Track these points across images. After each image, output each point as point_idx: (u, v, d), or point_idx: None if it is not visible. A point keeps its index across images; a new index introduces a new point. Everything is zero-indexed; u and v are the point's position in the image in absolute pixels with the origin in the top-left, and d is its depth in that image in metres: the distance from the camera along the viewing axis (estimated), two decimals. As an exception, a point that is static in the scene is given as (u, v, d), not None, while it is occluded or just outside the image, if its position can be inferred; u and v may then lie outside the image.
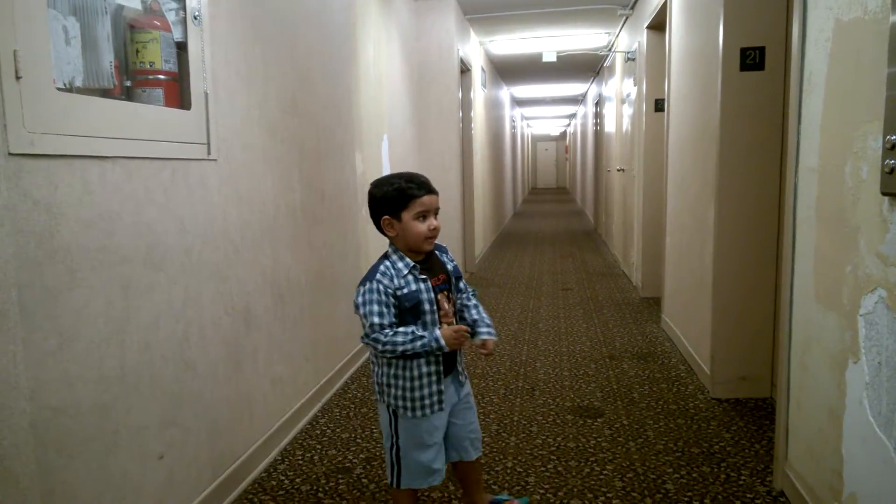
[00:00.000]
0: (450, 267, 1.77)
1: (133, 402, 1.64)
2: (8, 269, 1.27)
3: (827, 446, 1.75)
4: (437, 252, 1.76)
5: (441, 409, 1.70)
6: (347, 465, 2.34)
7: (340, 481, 2.22)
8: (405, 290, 1.63)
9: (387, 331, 1.60)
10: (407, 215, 1.64)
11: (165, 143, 1.76)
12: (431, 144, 5.29)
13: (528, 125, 22.78)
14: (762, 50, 2.68)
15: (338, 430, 2.65)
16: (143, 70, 1.77)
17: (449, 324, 1.69)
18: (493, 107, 9.33)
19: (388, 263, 1.67)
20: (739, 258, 2.81)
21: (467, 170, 6.06)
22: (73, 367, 1.44)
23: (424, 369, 1.66)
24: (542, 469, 2.26)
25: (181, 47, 1.86)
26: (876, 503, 1.49)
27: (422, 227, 1.64)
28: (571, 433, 2.56)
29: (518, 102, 14.71)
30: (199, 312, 1.94)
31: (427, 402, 1.67)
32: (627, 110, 6.13)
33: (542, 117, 20.28)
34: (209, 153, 1.98)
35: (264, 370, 2.37)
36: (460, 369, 1.79)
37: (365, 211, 3.65)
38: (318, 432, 2.63)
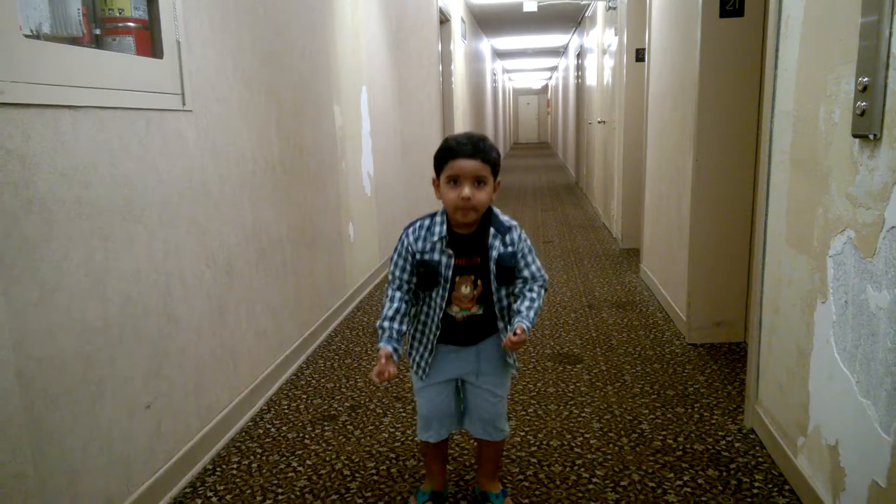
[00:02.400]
0: (497, 251, 1.55)
1: (117, 353, 1.65)
2: (-17, 220, 1.26)
3: (795, 384, 1.82)
4: (493, 230, 1.55)
5: (424, 375, 1.64)
6: (333, 412, 2.39)
7: (326, 428, 2.27)
8: (426, 257, 1.54)
9: (392, 287, 1.58)
10: (443, 177, 1.50)
11: (138, 94, 1.73)
12: (411, 98, 5.22)
13: (510, 78, 22.51)
14: (742, -5, 2.67)
15: (322, 380, 2.70)
16: (113, 17, 1.72)
17: (463, 308, 1.58)
18: (474, 59, 9.18)
19: (427, 221, 1.56)
20: (716, 206, 2.86)
21: (448, 123, 6.01)
22: (55, 319, 1.44)
23: (426, 337, 1.62)
24: (523, 413, 2.33)
25: (150, -8, 1.81)
26: (838, 432, 1.57)
27: (451, 193, 1.48)
28: (551, 379, 2.63)
29: (499, 55, 14.49)
30: (180, 265, 1.94)
31: (416, 361, 1.66)
32: (608, 61, 6.08)
33: (523, 70, 20.03)
34: (184, 104, 1.94)
35: (248, 323, 2.39)
36: (480, 347, 1.64)
37: (345, 164, 3.62)
38: (304, 382, 2.67)
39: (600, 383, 2.58)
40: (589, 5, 7.61)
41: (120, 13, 1.73)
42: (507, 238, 1.56)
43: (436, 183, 1.55)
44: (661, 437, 2.13)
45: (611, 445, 2.09)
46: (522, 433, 2.18)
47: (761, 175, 2.06)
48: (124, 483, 1.69)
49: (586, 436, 2.16)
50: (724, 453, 2.02)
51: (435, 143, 5.43)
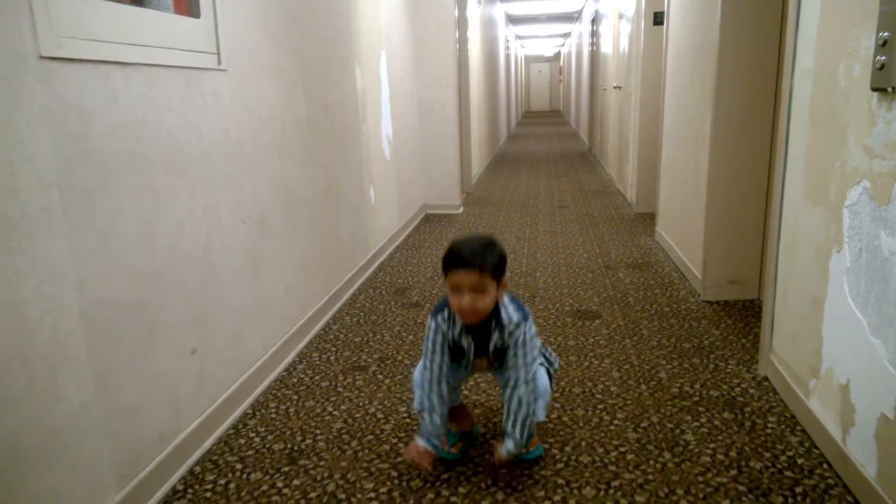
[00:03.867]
0: (492, 346, 1.66)
1: (166, 300, 1.75)
2: (48, 170, 1.34)
3: (808, 331, 1.90)
4: (495, 323, 1.64)
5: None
6: (362, 364, 2.50)
7: (357, 378, 2.38)
8: (455, 338, 1.68)
9: (426, 368, 1.69)
10: (447, 284, 1.60)
11: (179, 52, 1.80)
12: (428, 62, 5.23)
13: (522, 45, 22.23)
14: (764, -46, 2.67)
15: (350, 335, 2.81)
16: (152, -22, 1.78)
17: (479, 370, 1.80)
18: (488, 26, 9.12)
19: (448, 312, 1.66)
20: (733, 166, 2.90)
21: (464, 89, 6.02)
22: (111, 265, 1.54)
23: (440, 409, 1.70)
24: (544, 363, 2.43)
25: (187, -46, 1.86)
26: (849, 372, 1.65)
27: (455, 301, 1.58)
28: (571, 333, 2.73)
29: (512, 20, 14.32)
30: (219, 219, 2.03)
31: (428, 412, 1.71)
32: (625, 26, 6.04)
33: (536, 36, 19.77)
34: (219, 63, 2.01)
35: (279, 278, 2.49)
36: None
37: (366, 127, 3.68)
38: (332, 337, 2.78)
39: (618, 337, 2.67)
40: (605, -32, 7.52)
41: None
42: (506, 332, 1.63)
43: (445, 282, 1.62)
44: (678, 385, 2.23)
45: (630, 392, 2.19)
46: (544, 382, 2.28)
47: (780, 131, 2.11)
48: (175, 422, 1.80)
49: (606, 383, 2.26)
50: (738, 398, 2.12)
51: (451, 107, 5.48)
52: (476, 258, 1.55)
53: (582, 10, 12.11)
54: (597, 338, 2.67)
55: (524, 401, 1.63)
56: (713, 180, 2.95)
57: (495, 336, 1.65)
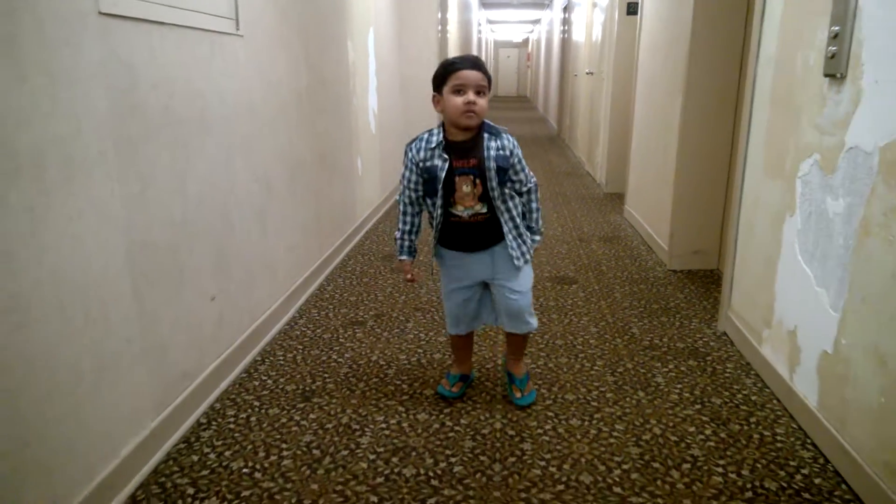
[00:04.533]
0: (492, 153, 1.74)
1: (194, 247, 1.91)
2: (104, 118, 1.49)
3: (762, 288, 2.17)
4: (488, 135, 1.75)
5: (445, 268, 1.93)
6: (360, 319, 2.69)
7: (357, 331, 2.57)
8: (427, 164, 1.76)
9: (403, 197, 1.84)
10: (446, 89, 1.70)
11: (205, 16, 1.94)
12: (411, 41, 5.38)
13: (492, 30, 22.35)
14: (734, -48, 2.92)
15: (345, 294, 2.99)
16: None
17: (467, 207, 1.78)
18: (464, 8, 9.25)
19: (426, 135, 1.78)
20: (699, 147, 3.17)
21: (442, 69, 6.18)
22: (151, 210, 1.69)
23: (441, 232, 1.85)
24: (528, 320, 2.66)
25: (213, -74, 1.99)
26: (797, 319, 1.92)
27: (457, 99, 1.68)
28: (552, 295, 2.97)
29: (484, 4, 14.46)
30: (236, 176, 2.18)
31: (437, 256, 1.93)
32: (599, 15, 6.27)
33: (506, 21, 19.93)
34: (237, 28, 2.15)
35: (281, 236, 2.65)
36: (494, 251, 1.87)
37: (355, 100, 3.83)
38: (328, 296, 2.96)
39: (594, 299, 2.92)
40: (579, -43, 7.73)
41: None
42: (500, 142, 1.76)
43: (436, 99, 1.75)
44: (648, 338, 2.48)
45: (607, 344, 2.44)
46: (531, 336, 2.51)
47: (744, 113, 2.36)
48: (198, 362, 1.97)
49: (585, 337, 2.50)
50: (701, 350, 2.38)
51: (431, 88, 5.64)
52: (478, 62, 1.74)
53: (554, -3, 12.33)
54: (574, 300, 2.91)
55: (538, 199, 1.90)
56: (681, 160, 3.22)
57: (493, 147, 1.74)
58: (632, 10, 5.03)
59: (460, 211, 1.80)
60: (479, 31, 14.33)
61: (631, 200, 4.42)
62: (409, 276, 1.91)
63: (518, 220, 1.85)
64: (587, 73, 6.92)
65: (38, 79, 1.27)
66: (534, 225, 1.90)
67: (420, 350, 2.39)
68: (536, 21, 18.61)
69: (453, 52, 7.53)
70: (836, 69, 1.71)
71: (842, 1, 1.68)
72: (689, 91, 3.11)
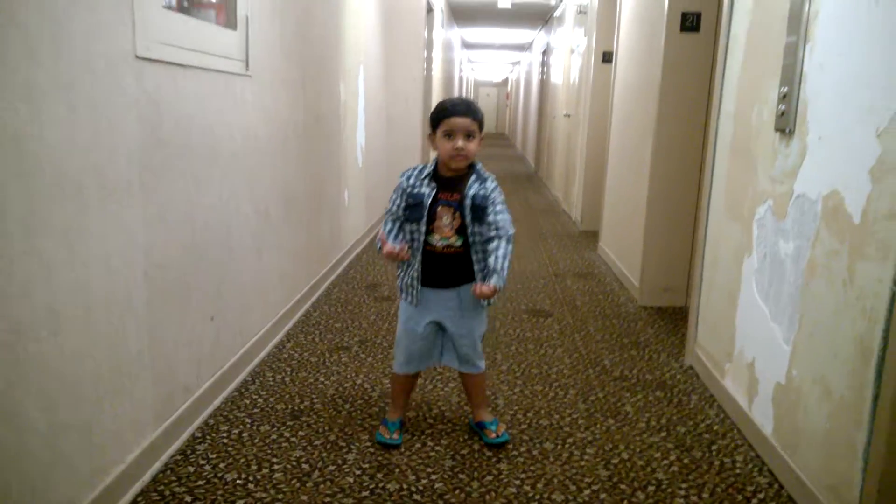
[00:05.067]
0: (473, 192, 1.86)
1: (199, 269, 2.03)
2: (134, 149, 1.62)
3: (725, 322, 2.35)
4: (474, 177, 1.89)
5: (415, 303, 1.95)
6: (345, 344, 2.81)
7: (342, 356, 2.69)
8: (416, 190, 1.89)
9: (390, 216, 1.95)
10: (439, 132, 1.86)
11: (220, 58, 2.10)
12: (397, 80, 5.60)
13: (473, 69, 22.93)
14: (699, 15, 3.20)
15: (330, 320, 3.11)
16: (199, -6, 2.08)
17: (443, 237, 1.90)
18: (447, 48, 9.59)
19: (420, 167, 1.94)
20: (669, 190, 3.40)
21: (426, 105, 6.41)
22: (166, 234, 1.81)
23: (413, 269, 1.94)
24: (507, 350, 2.81)
25: (228, -24, 2.17)
26: (755, 352, 2.10)
27: (447, 144, 1.84)
28: (528, 327, 3.12)
29: (467, 45, 14.92)
30: (238, 206, 2.31)
31: (406, 289, 1.97)
32: (576, 60, 6.60)
33: (486, 61, 20.50)
34: (247, 69, 2.31)
35: (275, 264, 2.77)
36: (460, 291, 1.95)
37: (344, 137, 4.00)
38: (314, 322, 3.07)
39: (568, 332, 3.08)
40: (558, 6, 8.13)
41: (205, -9, 2.09)
42: (485, 184, 1.89)
43: (431, 138, 1.91)
44: (619, 370, 2.65)
45: (579, 374, 2.59)
46: (507, 364, 2.66)
47: (707, 162, 2.58)
48: (196, 377, 2.07)
49: (560, 367, 2.65)
50: (668, 382, 2.55)
51: (417, 124, 5.88)
52: (470, 107, 1.87)
53: (533, 41, 12.80)
54: (550, 332, 3.07)
55: (508, 249, 1.87)
56: (651, 201, 3.44)
57: (475, 187, 1.87)
58: (607, 58, 5.32)
59: (436, 240, 1.91)
60: (461, 70, 14.76)
61: (605, 238, 4.64)
62: (399, 250, 1.88)
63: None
64: (564, 116, 7.22)
65: (85, 112, 1.42)
66: (499, 270, 1.84)
67: (405, 374, 2.51)
68: (517, 63, 19.19)
69: (437, 90, 7.80)
70: (785, 125, 1.93)
71: (790, 64, 1.91)
72: (659, 138, 3.35)
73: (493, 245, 1.87)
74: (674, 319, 3.30)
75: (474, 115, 1.88)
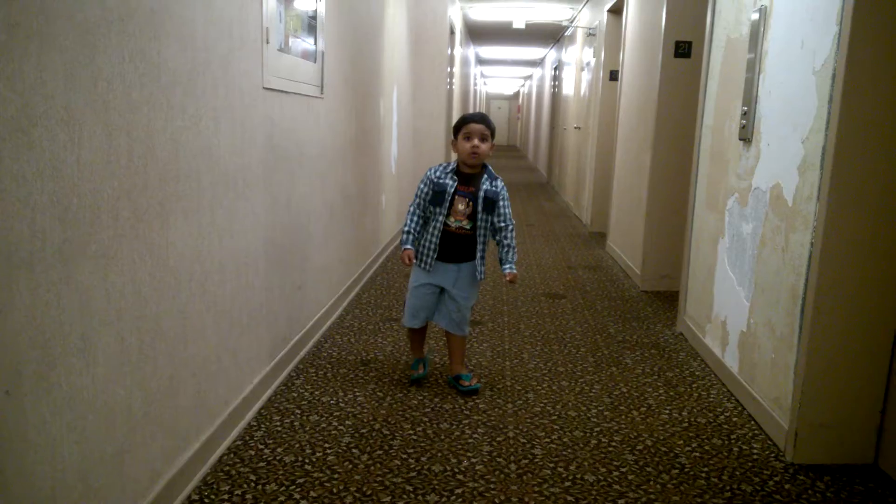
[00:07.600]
0: (486, 187, 2.37)
1: (294, 246, 2.62)
2: (267, 153, 2.23)
3: (706, 293, 2.92)
4: (486, 176, 2.40)
5: (428, 269, 2.44)
6: (394, 317, 3.39)
7: (393, 325, 3.27)
8: (440, 181, 2.40)
9: (413, 206, 2.48)
10: (460, 136, 2.37)
11: (305, 85, 2.71)
12: (425, 97, 6.23)
13: (485, 83, 23.60)
14: (690, 43, 3.79)
15: (378, 299, 3.69)
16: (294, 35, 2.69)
17: (457, 220, 2.39)
18: (464, 64, 10.23)
19: (445, 164, 2.45)
20: (665, 190, 3.97)
21: (448, 118, 7.04)
22: (274, 217, 2.41)
23: (431, 243, 2.44)
24: (528, 321, 3.39)
25: (312, 18, 2.79)
26: (726, 311, 2.67)
27: (466, 144, 2.35)
28: (545, 306, 3.70)
29: (481, 61, 15.57)
30: (313, 202, 2.92)
31: (421, 257, 2.45)
32: (586, 76, 7.19)
33: (499, 76, 21.16)
34: (322, 93, 2.93)
35: (336, 250, 3.37)
36: (461, 267, 2.45)
37: (383, 147, 4.61)
38: (365, 301, 3.66)
39: (580, 309, 3.65)
40: (569, 27, 8.74)
41: (295, 32, 2.70)
42: (494, 183, 2.41)
43: (454, 142, 2.41)
44: (621, 336, 3.21)
45: (588, 338, 3.16)
46: (529, 331, 3.24)
47: (693, 166, 3.16)
48: (293, 331, 2.66)
49: (572, 333, 3.23)
50: (661, 343, 3.12)
51: (441, 136, 6.47)
52: (484, 118, 2.40)
53: (545, 57, 13.44)
54: (563, 309, 3.64)
55: (513, 240, 2.44)
56: (651, 200, 4.01)
57: (486, 184, 2.38)
58: (613, 76, 5.91)
59: (452, 222, 2.41)
60: (475, 85, 15.41)
61: (612, 237, 5.21)
62: (409, 259, 2.42)
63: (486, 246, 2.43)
64: (575, 128, 7.81)
65: (235, 127, 2.02)
66: (510, 257, 2.43)
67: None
68: (528, 77, 19.84)
69: (456, 104, 8.42)
70: (745, 135, 2.50)
71: (748, 89, 2.49)
72: (657, 147, 3.93)
73: (505, 239, 2.42)
74: (670, 300, 3.86)
75: (487, 123, 2.40)
